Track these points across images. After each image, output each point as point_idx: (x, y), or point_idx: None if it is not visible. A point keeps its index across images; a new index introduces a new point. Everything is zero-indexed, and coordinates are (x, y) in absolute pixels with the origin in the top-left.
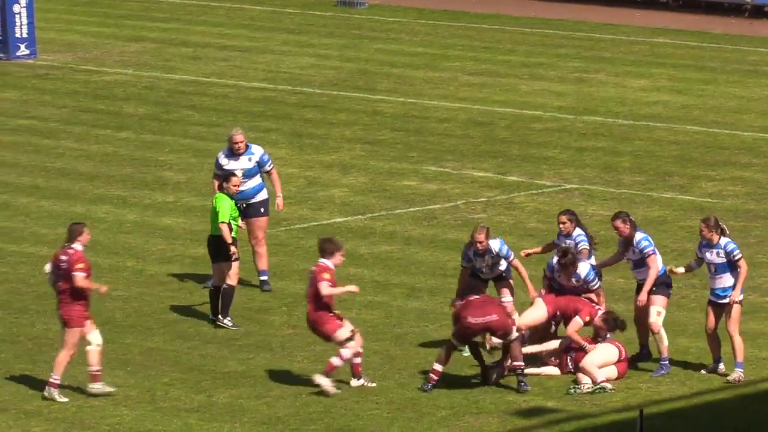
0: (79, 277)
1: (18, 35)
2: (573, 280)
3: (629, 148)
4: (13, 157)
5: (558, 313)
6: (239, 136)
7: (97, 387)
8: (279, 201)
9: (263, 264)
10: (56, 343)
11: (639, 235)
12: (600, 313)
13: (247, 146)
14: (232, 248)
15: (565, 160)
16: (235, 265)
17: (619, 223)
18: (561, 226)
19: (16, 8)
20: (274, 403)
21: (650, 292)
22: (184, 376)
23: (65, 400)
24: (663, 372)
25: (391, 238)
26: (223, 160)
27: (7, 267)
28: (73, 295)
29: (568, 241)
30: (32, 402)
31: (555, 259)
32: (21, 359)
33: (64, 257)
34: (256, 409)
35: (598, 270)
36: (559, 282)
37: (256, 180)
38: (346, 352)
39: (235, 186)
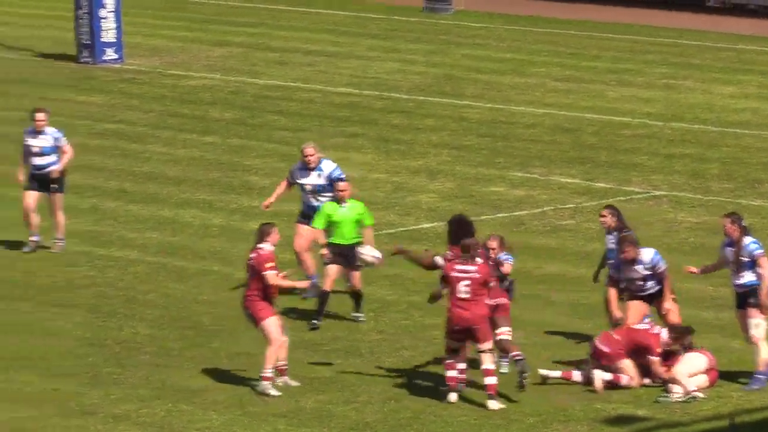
0: (271, 276)
1: (105, 40)
2: (637, 269)
3: (717, 155)
4: (101, 161)
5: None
6: (310, 149)
7: (272, 383)
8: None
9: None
10: (144, 347)
11: (748, 239)
12: (663, 335)
13: (319, 161)
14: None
15: (654, 167)
16: (328, 268)
17: (727, 223)
18: (601, 219)
19: (102, 13)
20: (362, 408)
21: (748, 304)
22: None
23: (278, 393)
24: (756, 386)
25: None
26: (296, 174)
27: (95, 271)
28: (262, 293)
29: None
30: (120, 406)
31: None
32: (109, 363)
33: (253, 256)
34: (344, 414)
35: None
36: (627, 277)
37: (329, 195)
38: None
39: (341, 191)
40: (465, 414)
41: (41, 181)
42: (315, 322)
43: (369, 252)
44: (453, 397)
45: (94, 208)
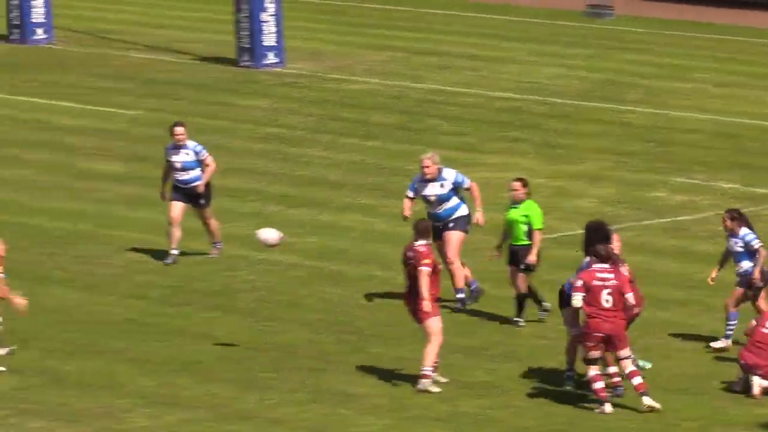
0: (426, 272)
1: (266, 43)
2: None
3: None
4: (263, 165)
5: None
6: (426, 161)
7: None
8: (478, 216)
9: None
10: (301, 351)
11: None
12: None
13: (439, 171)
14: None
15: None
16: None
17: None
18: (724, 224)
19: (263, 17)
20: (520, 413)
21: None
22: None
23: (438, 390)
24: None
25: (639, 249)
26: (418, 185)
27: (255, 275)
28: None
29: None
30: (277, 410)
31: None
32: (266, 367)
33: (410, 254)
34: (502, 419)
35: None
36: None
37: (452, 202)
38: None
39: (513, 191)
40: (624, 419)
41: (187, 194)
42: (518, 320)
43: (264, 235)
44: (608, 408)
45: (256, 212)
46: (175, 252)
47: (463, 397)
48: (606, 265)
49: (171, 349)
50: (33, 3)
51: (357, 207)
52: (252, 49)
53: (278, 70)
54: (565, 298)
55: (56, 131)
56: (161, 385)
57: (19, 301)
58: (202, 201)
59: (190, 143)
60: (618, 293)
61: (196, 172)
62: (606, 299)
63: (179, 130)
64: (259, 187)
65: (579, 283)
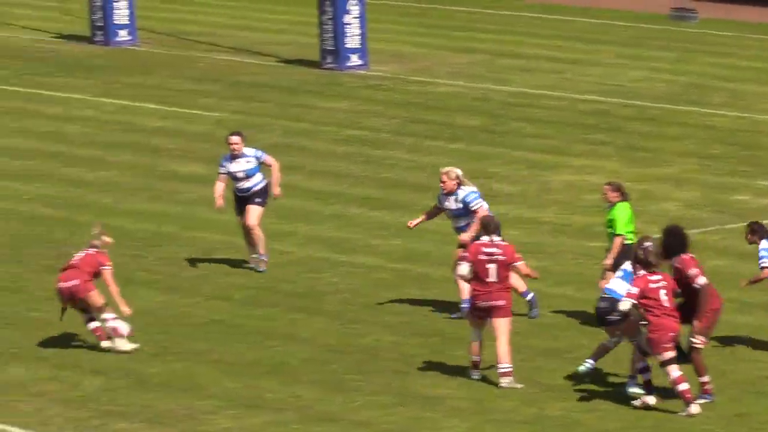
0: (522, 266)
1: (349, 46)
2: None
3: None
4: (345, 168)
5: None
6: (443, 176)
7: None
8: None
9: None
10: (384, 354)
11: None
12: None
13: (457, 186)
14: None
15: None
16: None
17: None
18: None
19: (347, 19)
20: (605, 416)
21: None
22: (516, 388)
23: (521, 386)
24: None
25: (723, 252)
26: (440, 199)
27: (338, 277)
28: (508, 285)
29: None
30: (362, 412)
31: None
32: (351, 370)
33: (497, 250)
34: (587, 422)
35: None
36: None
37: (467, 220)
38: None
39: (603, 194)
40: (709, 422)
41: (246, 200)
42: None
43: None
44: (694, 408)
45: (338, 214)
46: (263, 257)
47: (547, 400)
48: (654, 269)
49: (255, 351)
50: (116, 5)
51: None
52: (336, 52)
53: (362, 72)
54: (610, 313)
55: (140, 133)
56: (245, 387)
57: (125, 309)
58: (259, 199)
59: (248, 150)
60: (672, 292)
61: (258, 176)
62: (664, 299)
63: (235, 139)
64: (342, 189)
65: (635, 290)
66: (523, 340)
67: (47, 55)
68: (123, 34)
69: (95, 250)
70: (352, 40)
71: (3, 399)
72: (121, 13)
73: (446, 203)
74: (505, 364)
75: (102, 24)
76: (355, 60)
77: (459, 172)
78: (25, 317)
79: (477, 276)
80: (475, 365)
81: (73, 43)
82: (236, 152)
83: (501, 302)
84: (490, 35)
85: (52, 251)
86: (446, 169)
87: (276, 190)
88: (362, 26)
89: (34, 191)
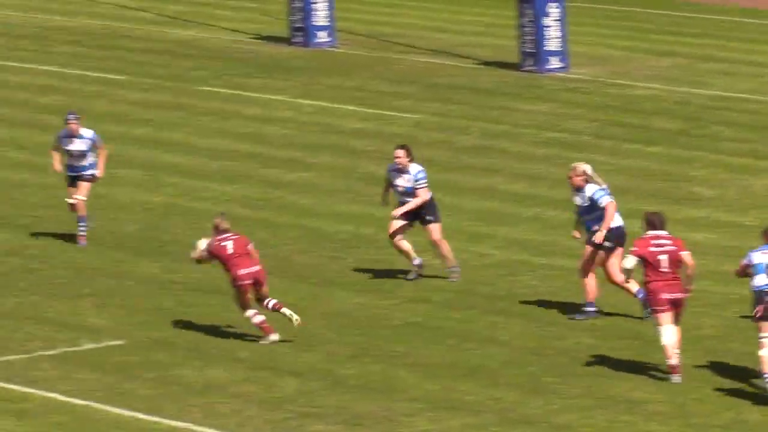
0: (689, 256)
1: (549, 48)
2: None
3: None
4: (545, 170)
5: None
6: (570, 172)
7: None
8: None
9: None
10: (583, 356)
11: None
12: None
13: (585, 182)
14: None
15: None
16: None
17: None
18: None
19: (547, 21)
20: None
21: None
22: (714, 392)
23: (679, 380)
24: None
25: None
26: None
27: (537, 280)
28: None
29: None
30: (561, 415)
31: None
32: (550, 372)
33: (667, 241)
34: None
35: None
36: None
37: (592, 215)
38: None
39: None
40: None
41: (413, 212)
42: None
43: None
44: None
45: (537, 217)
46: (417, 263)
47: (744, 405)
48: None
49: (454, 353)
50: (316, 6)
51: (640, 213)
52: (535, 54)
53: (561, 74)
54: None
55: (339, 134)
56: (444, 389)
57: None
58: (430, 217)
59: (413, 167)
60: None
61: (412, 195)
62: None
63: (400, 152)
64: (539, 192)
65: None
66: (720, 344)
67: (246, 56)
68: (322, 36)
69: (233, 233)
70: (552, 43)
71: (202, 401)
72: (320, 15)
73: (575, 199)
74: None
75: (301, 25)
76: (554, 62)
77: (587, 168)
78: (225, 318)
79: (653, 268)
80: (674, 369)
81: (272, 44)
82: (403, 166)
83: (681, 294)
84: (690, 39)
85: None
86: (574, 164)
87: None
88: (562, 29)
89: (232, 192)
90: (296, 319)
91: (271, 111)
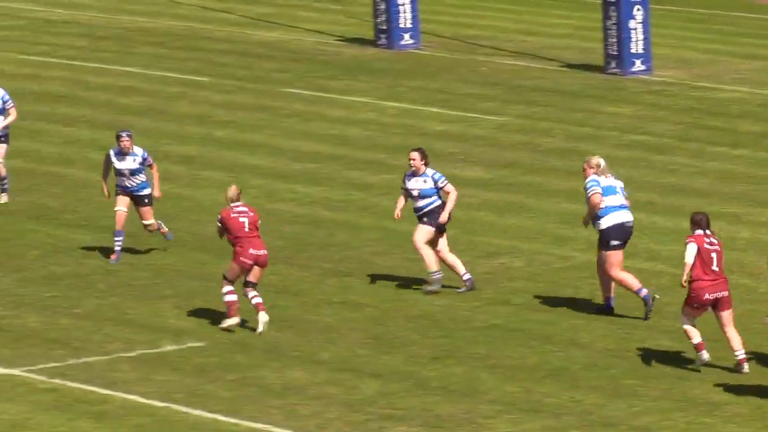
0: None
1: (633, 51)
2: None
3: None
4: (628, 173)
5: None
6: (585, 164)
7: None
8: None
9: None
10: (663, 358)
11: None
12: None
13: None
14: None
15: None
16: None
17: None
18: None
19: (632, 24)
20: None
21: None
22: None
23: (747, 371)
24: None
25: None
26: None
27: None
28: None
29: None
30: (641, 418)
31: None
32: (630, 374)
33: (714, 240)
34: None
35: None
36: None
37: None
38: None
39: None
40: None
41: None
42: None
43: None
44: None
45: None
46: (436, 275)
47: None
48: None
49: (535, 355)
50: (400, 8)
51: (724, 215)
52: (620, 57)
53: (645, 77)
54: None
55: (422, 136)
56: (525, 392)
57: None
58: (426, 218)
59: (429, 171)
60: None
61: (431, 198)
62: None
63: (415, 155)
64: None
65: None
66: None
67: (330, 57)
68: (407, 38)
69: (247, 207)
70: (636, 46)
71: (283, 402)
72: (404, 17)
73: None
74: (742, 350)
75: (385, 27)
76: (638, 65)
77: (599, 161)
78: (304, 320)
79: (702, 265)
80: (700, 347)
81: (356, 46)
82: (420, 171)
83: (726, 293)
84: None
85: (333, 255)
86: (589, 157)
87: (444, 217)
88: (646, 31)
89: (315, 194)
90: (259, 332)
91: (355, 113)
